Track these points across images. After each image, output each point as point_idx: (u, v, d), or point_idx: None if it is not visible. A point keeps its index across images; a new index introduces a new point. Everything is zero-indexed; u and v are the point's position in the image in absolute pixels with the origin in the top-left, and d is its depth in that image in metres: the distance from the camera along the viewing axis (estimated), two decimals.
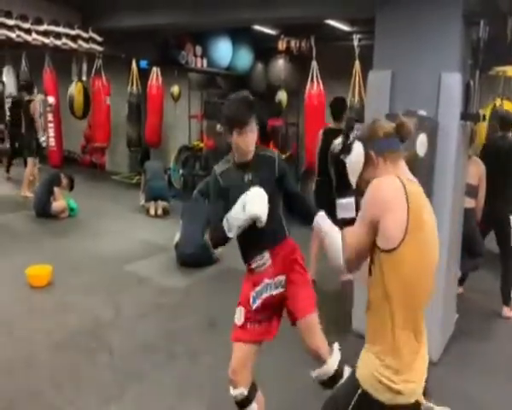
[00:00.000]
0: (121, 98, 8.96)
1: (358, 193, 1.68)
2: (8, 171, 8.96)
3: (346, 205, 1.70)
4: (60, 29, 6.33)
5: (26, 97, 7.93)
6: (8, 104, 9.25)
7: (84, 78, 8.54)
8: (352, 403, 1.59)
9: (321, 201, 4.25)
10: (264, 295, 2.34)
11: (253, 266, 2.37)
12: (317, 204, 4.01)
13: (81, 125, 10.09)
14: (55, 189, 6.82)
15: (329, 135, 4.37)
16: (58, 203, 6.79)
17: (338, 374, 2.31)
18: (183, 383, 3.18)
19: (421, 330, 1.61)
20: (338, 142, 1.74)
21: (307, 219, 2.41)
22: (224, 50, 7.50)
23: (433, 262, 1.62)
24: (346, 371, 2.25)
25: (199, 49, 7.49)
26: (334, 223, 2.23)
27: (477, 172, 4.22)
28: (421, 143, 2.98)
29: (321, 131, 4.82)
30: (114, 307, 4.21)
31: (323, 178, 4.49)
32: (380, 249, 1.53)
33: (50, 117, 8.97)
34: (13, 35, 5.91)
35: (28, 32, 6.03)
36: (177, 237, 5.33)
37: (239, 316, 2.36)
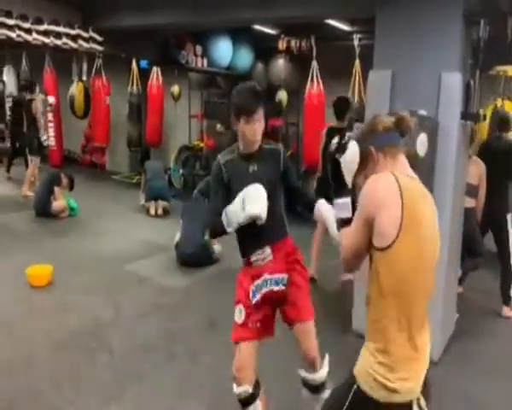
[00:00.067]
0: (121, 98, 8.96)
1: (355, 193, 1.68)
2: (8, 171, 8.95)
3: (342, 205, 1.69)
4: (60, 29, 6.32)
5: (28, 96, 7.93)
6: (8, 104, 9.24)
7: (84, 77, 8.54)
8: (348, 400, 1.58)
9: (321, 198, 4.27)
10: (264, 290, 2.32)
11: (253, 259, 2.34)
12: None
13: (81, 125, 10.09)
14: (56, 188, 6.81)
15: (332, 134, 4.39)
16: (58, 203, 6.79)
17: (322, 386, 2.41)
18: (183, 383, 3.18)
19: (420, 328, 1.57)
20: (335, 141, 1.74)
21: (308, 208, 2.41)
22: (224, 50, 7.49)
23: (432, 258, 1.59)
24: (329, 390, 2.29)
25: (199, 49, 7.48)
26: None
27: (477, 171, 4.24)
28: (422, 142, 2.97)
29: (324, 131, 4.85)
30: (114, 306, 4.21)
31: (325, 175, 4.51)
32: (375, 248, 1.52)
33: (50, 117, 9.00)
34: (13, 35, 5.90)
35: (28, 31, 6.02)
36: (177, 236, 5.33)
37: (239, 315, 2.32)
